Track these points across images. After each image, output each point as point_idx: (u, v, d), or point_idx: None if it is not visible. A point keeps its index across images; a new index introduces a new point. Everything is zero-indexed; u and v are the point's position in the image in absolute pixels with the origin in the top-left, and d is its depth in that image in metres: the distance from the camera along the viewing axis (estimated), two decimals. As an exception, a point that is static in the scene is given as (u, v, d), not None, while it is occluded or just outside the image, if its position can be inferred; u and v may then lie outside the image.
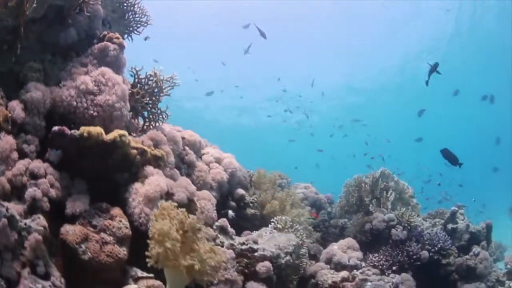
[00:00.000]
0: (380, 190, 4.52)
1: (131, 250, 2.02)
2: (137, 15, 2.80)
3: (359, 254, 4.08)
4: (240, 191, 2.96)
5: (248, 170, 3.41)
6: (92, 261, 1.89)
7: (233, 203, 2.89)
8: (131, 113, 2.52)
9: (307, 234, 3.72)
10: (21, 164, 2.07)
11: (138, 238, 1.97)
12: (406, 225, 4.32)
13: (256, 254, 2.39)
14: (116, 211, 2.06)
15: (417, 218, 4.44)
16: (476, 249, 4.81)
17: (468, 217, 4.98)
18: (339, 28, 15.45)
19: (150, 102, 2.54)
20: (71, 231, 1.95)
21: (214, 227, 2.34)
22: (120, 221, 2.01)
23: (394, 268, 4.17)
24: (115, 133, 2.14)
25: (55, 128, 2.18)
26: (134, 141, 2.20)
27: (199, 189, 2.52)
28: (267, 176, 3.33)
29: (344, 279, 3.72)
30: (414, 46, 15.77)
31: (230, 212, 2.67)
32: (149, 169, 2.14)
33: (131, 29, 2.72)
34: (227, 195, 2.92)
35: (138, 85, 2.55)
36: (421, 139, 11.94)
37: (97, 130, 2.10)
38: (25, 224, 1.87)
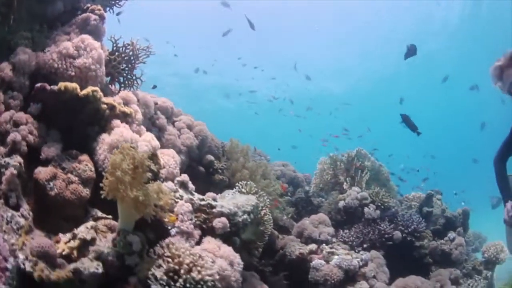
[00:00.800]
0: (355, 169, 4.63)
1: (94, 193, 2.27)
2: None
3: (331, 229, 4.19)
4: (210, 157, 3.16)
5: (223, 141, 3.61)
6: (58, 197, 2.15)
7: (201, 168, 3.10)
8: (108, 78, 2.79)
9: (280, 209, 3.87)
10: (6, 114, 2.36)
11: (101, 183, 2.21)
12: (379, 204, 4.40)
13: (214, 210, 2.59)
14: (84, 157, 2.32)
15: (391, 199, 4.52)
16: (451, 234, 4.86)
17: (446, 203, 5.00)
18: (325, 15, 15.63)
19: (126, 68, 2.81)
20: (42, 171, 2.22)
21: (175, 181, 2.55)
22: (86, 165, 2.26)
23: (365, 245, 4.26)
24: (88, 89, 2.41)
25: (38, 84, 2.47)
26: (106, 98, 2.46)
27: (168, 151, 2.74)
28: (239, 146, 3.49)
29: (311, 252, 3.86)
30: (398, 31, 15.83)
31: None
32: (117, 122, 2.40)
33: (113, 2, 3.00)
34: (197, 160, 3.14)
35: (116, 52, 2.82)
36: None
37: (73, 85, 2.38)
38: (4, 161, 2.15)
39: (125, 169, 1.86)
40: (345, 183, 4.50)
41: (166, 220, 2.20)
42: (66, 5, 2.83)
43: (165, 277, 1.88)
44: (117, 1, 2.97)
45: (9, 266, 1.75)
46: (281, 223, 4.14)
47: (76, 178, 2.21)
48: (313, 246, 3.82)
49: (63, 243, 2.03)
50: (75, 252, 2.00)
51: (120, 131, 2.32)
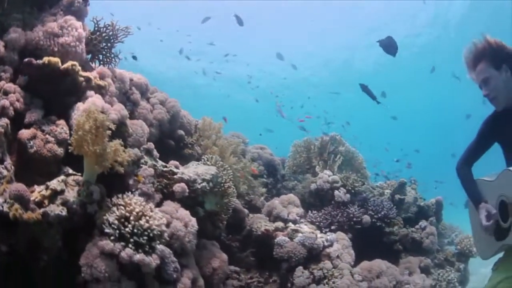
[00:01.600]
0: (328, 153, 4.82)
1: (67, 154, 2.62)
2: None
3: (300, 210, 4.40)
4: (180, 132, 3.47)
5: (197, 119, 3.90)
6: (36, 154, 2.52)
7: (172, 142, 3.41)
8: (89, 55, 3.13)
9: (249, 186, 4.12)
10: (-3, 84, 2.74)
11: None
12: (350, 188, 4.58)
13: (175, 176, 2.91)
14: (61, 121, 2.69)
15: (363, 185, 4.70)
16: (423, 223, 4.93)
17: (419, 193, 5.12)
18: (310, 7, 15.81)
19: (105, 47, 3.14)
20: (25, 132, 2.60)
21: (141, 148, 2.88)
22: (62, 128, 2.63)
23: (332, 227, 4.40)
24: (68, 63, 2.76)
25: (26, 59, 2.84)
26: (83, 71, 2.81)
27: (139, 123, 3.06)
28: (212, 124, 3.77)
29: (277, 229, 3.97)
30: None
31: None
32: (91, 93, 2.74)
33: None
34: (168, 134, 3.44)
35: (97, 32, 3.16)
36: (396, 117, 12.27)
37: (55, 59, 2.74)
38: (-7, 123, 2.53)
39: (87, 128, 2.20)
40: (317, 167, 4.72)
41: (121, 170, 2.48)
42: (55, -12, 3.17)
43: (116, 222, 2.22)
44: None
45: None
46: (253, 202, 4.35)
47: (53, 139, 2.58)
48: (279, 224, 3.96)
49: (37, 192, 2.40)
50: (46, 201, 2.37)
51: (93, 100, 2.67)
